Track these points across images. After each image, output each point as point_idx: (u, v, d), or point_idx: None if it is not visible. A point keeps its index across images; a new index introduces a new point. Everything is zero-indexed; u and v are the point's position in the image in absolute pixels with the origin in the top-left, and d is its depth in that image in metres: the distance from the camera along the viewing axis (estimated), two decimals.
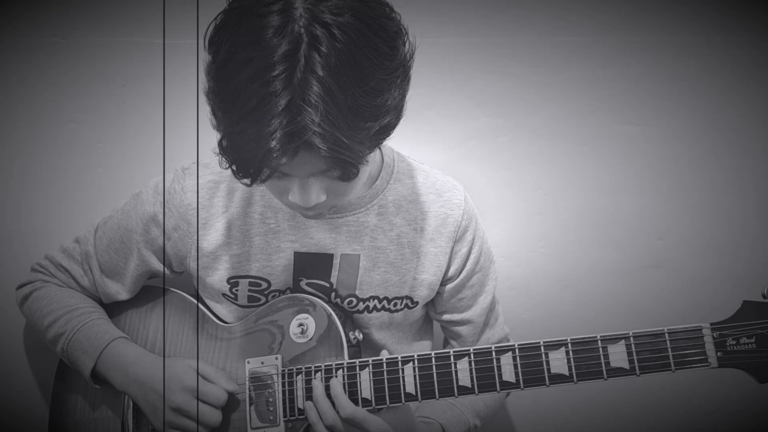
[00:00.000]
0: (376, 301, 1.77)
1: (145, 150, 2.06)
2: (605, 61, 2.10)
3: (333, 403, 1.61)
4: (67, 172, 2.06)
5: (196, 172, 1.74)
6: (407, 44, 1.43)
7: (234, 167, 1.43)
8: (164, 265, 1.80)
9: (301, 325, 1.69)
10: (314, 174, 1.43)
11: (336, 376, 1.63)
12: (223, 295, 1.77)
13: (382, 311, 1.78)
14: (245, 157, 1.39)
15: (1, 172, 2.05)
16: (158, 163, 2.00)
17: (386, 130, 1.45)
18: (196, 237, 1.73)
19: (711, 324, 1.47)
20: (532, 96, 2.11)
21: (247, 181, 1.44)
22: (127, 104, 2.06)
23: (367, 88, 1.36)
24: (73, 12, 2.02)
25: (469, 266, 1.81)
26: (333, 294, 1.75)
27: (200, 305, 1.83)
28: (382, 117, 1.40)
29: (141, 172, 2.00)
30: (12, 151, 2.05)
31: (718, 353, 1.46)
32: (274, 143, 1.33)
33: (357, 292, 1.76)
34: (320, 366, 1.65)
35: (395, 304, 1.78)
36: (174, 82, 2.01)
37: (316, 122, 1.32)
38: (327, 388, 1.62)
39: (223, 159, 1.44)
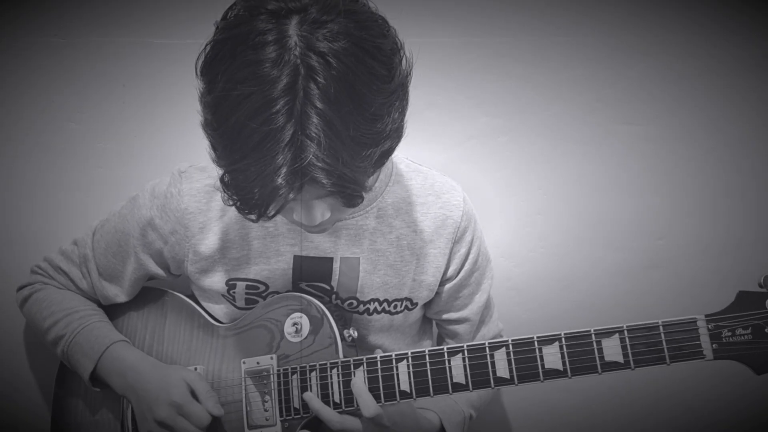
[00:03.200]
0: (376, 303, 1.76)
1: (145, 150, 2.07)
2: (605, 61, 2.09)
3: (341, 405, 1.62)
4: (67, 172, 2.07)
5: (193, 175, 1.74)
6: (404, 61, 1.42)
7: (239, 204, 1.42)
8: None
9: (295, 324, 1.68)
10: (318, 197, 1.42)
11: (332, 375, 1.63)
12: (222, 296, 1.77)
13: (383, 313, 1.78)
14: (250, 195, 1.38)
15: (0, 172, 2.06)
16: (158, 164, 2.01)
17: (387, 154, 1.43)
18: (193, 241, 1.73)
19: (706, 315, 1.46)
20: (532, 96, 2.10)
21: (253, 217, 1.43)
22: (127, 104, 2.06)
23: (367, 115, 1.34)
24: (73, 12, 2.03)
25: (467, 266, 1.81)
26: (333, 296, 1.75)
27: (196, 306, 1.83)
28: (383, 142, 1.39)
29: (141, 172, 2.01)
30: (12, 151, 2.05)
31: (714, 345, 1.44)
32: (280, 180, 1.32)
33: (358, 295, 1.75)
34: (315, 365, 1.64)
35: (395, 306, 1.78)
36: (174, 82, 2.02)
37: (319, 157, 1.31)
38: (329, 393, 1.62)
39: (227, 195, 1.43)
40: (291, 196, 1.36)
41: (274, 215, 1.42)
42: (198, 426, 1.65)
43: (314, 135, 1.30)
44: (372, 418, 1.58)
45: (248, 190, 1.37)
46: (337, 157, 1.32)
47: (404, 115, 1.44)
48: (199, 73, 1.41)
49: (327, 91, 1.30)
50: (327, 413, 1.60)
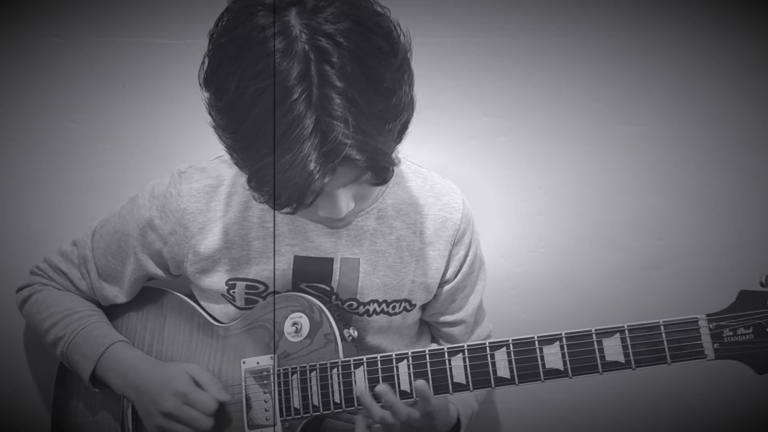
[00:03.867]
0: (375, 304, 1.77)
1: (145, 150, 2.07)
2: (605, 61, 2.09)
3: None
4: (66, 172, 2.07)
5: (192, 176, 1.74)
6: (402, 36, 1.42)
7: (271, 200, 1.42)
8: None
9: (295, 324, 1.68)
10: (344, 185, 1.43)
11: (332, 375, 1.63)
12: (222, 295, 1.77)
13: (382, 314, 1.78)
14: (284, 188, 1.37)
15: (0, 172, 2.06)
16: (158, 164, 2.01)
17: (405, 127, 1.45)
18: (192, 242, 1.73)
19: (707, 315, 1.45)
20: (532, 96, 2.10)
21: (289, 209, 1.42)
22: (127, 104, 2.06)
23: (381, 91, 1.35)
24: (73, 12, 2.03)
25: (465, 269, 1.81)
26: (333, 297, 1.75)
27: (196, 305, 1.83)
28: (401, 115, 1.41)
29: (141, 172, 2.01)
30: (12, 151, 2.05)
31: (715, 345, 1.44)
32: (312, 165, 1.32)
33: (358, 296, 1.75)
34: (315, 365, 1.64)
35: (394, 307, 1.78)
36: (174, 82, 2.02)
37: (348, 135, 1.31)
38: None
39: (258, 194, 1.43)
40: (326, 180, 1.36)
41: (311, 203, 1.42)
42: (205, 412, 1.66)
43: (339, 114, 1.31)
44: (428, 412, 1.57)
45: (281, 183, 1.37)
46: (365, 132, 1.33)
47: (413, 89, 1.45)
48: (203, 83, 1.41)
49: (343, 70, 1.31)
50: (400, 409, 1.57)
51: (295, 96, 1.31)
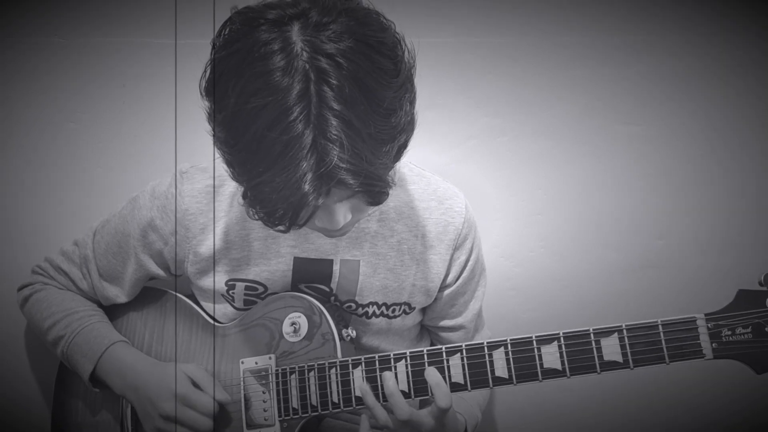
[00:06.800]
0: (375, 307, 1.76)
1: (145, 150, 2.07)
2: (605, 61, 2.09)
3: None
4: (66, 173, 2.07)
5: (194, 176, 1.74)
6: (406, 52, 1.41)
7: (266, 217, 1.41)
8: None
9: (294, 324, 1.68)
10: (340, 200, 1.42)
11: (328, 374, 1.63)
12: (222, 296, 1.77)
13: (381, 317, 1.78)
14: (278, 206, 1.37)
15: (0, 172, 2.06)
16: (158, 164, 2.01)
17: (404, 147, 1.44)
18: (193, 242, 1.73)
19: (705, 314, 1.45)
20: (532, 96, 2.10)
21: (282, 228, 1.41)
22: (127, 104, 2.06)
23: (381, 111, 1.34)
24: (73, 12, 2.03)
25: (465, 274, 1.81)
26: (332, 298, 1.74)
27: (195, 306, 1.83)
28: (399, 136, 1.39)
29: (141, 172, 2.01)
30: (12, 151, 2.06)
31: (713, 344, 1.44)
32: (307, 186, 1.31)
33: (357, 298, 1.75)
34: (313, 365, 1.64)
35: (393, 310, 1.78)
36: (174, 83, 2.02)
37: (344, 159, 1.30)
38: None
39: (252, 211, 1.42)
40: (320, 201, 1.35)
41: (304, 223, 1.41)
42: (204, 414, 1.66)
43: (335, 137, 1.30)
44: (444, 410, 1.55)
45: (276, 202, 1.36)
46: (360, 156, 1.32)
47: (414, 106, 1.44)
48: (204, 93, 1.41)
49: (341, 91, 1.30)
50: (399, 401, 1.56)
51: (294, 115, 1.29)
